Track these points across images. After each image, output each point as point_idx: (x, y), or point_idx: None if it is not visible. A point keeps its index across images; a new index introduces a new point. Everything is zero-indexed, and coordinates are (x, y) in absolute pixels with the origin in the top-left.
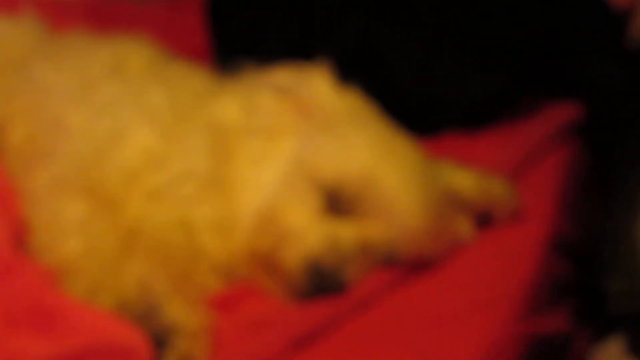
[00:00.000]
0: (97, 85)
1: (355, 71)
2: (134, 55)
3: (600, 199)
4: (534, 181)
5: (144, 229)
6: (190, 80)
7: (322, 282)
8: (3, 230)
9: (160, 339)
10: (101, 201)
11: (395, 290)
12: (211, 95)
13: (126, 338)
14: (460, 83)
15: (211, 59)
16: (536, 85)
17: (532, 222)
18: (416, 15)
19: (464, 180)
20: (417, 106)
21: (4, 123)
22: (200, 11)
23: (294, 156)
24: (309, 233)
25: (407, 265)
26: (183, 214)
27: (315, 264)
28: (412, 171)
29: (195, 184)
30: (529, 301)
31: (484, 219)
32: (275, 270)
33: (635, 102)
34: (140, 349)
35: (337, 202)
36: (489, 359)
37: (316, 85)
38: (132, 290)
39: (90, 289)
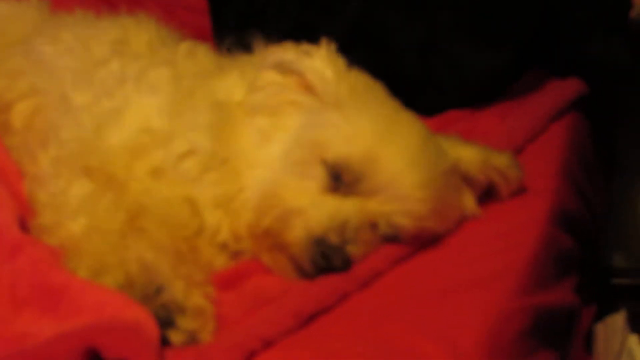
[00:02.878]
0: (100, 65)
1: (356, 50)
2: (136, 34)
3: (603, 176)
4: (537, 156)
5: (148, 207)
6: (194, 59)
7: (326, 258)
8: (9, 211)
9: (165, 319)
10: (104, 180)
11: (400, 266)
12: (214, 73)
13: (133, 316)
14: (463, 61)
15: (214, 38)
16: (539, 62)
17: (536, 196)
18: None
19: (469, 155)
20: (420, 85)
21: (9, 102)
22: None
23: (298, 133)
24: (313, 209)
25: (411, 242)
26: (187, 191)
27: (319, 240)
28: (416, 148)
29: (198, 161)
30: (534, 275)
31: (489, 194)
32: (279, 247)
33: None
34: (147, 326)
35: (341, 179)
36: (494, 331)
37: (319, 63)
38: (137, 269)
39: (96, 268)
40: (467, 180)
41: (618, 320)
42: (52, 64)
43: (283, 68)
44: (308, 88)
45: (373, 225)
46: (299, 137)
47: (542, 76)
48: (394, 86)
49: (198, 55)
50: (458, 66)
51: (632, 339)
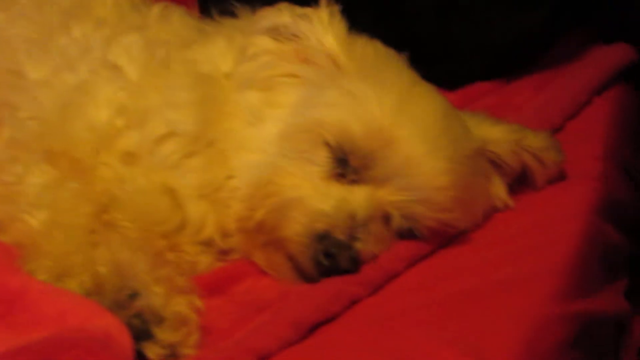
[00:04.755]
0: (59, 32)
1: (363, 11)
2: None
3: None
4: (579, 135)
5: (120, 198)
6: (171, 25)
7: (331, 257)
8: None
9: (140, 330)
10: (68, 167)
11: (417, 266)
12: (196, 41)
13: (101, 326)
14: (488, 23)
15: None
16: (579, 24)
17: (577, 183)
18: None
19: (498, 135)
20: (438, 51)
21: None
22: None
23: (296, 111)
24: (315, 199)
25: (430, 238)
26: (166, 179)
27: (323, 236)
28: (436, 127)
29: (179, 145)
30: (575, 277)
31: (523, 181)
32: (275, 244)
33: None
34: (118, 338)
35: (348, 164)
36: (528, 342)
37: (319, 28)
38: (107, 271)
39: (57, 270)
40: (496, 164)
41: None
42: (2, 33)
43: (277, 34)
44: (307, 57)
45: (386, 218)
46: (298, 115)
47: (583, 41)
48: (408, 54)
49: (173, 20)
50: (482, 29)
51: None
